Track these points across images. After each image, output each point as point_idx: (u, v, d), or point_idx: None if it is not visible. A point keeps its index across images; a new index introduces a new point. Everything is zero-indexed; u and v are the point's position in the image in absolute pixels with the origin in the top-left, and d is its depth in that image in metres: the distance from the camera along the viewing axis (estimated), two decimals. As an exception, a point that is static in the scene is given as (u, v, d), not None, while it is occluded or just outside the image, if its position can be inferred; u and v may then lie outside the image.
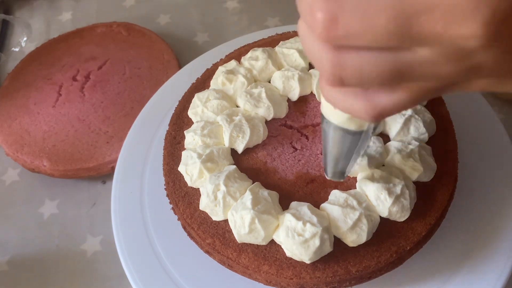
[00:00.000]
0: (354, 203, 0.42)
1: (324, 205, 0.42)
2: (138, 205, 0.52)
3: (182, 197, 0.46)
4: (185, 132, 0.50)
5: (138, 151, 0.56)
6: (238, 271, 0.44)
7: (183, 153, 0.48)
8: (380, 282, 0.44)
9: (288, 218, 0.41)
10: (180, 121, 0.52)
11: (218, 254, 0.44)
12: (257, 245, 0.42)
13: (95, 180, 0.62)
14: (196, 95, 0.52)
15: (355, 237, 0.41)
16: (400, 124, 0.46)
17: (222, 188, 0.43)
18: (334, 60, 0.25)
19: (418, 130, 0.46)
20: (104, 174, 0.61)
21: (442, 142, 0.47)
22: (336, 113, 0.32)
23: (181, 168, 0.47)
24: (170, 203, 0.48)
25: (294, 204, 0.43)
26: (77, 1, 0.85)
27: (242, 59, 0.54)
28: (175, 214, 0.48)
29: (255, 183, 0.44)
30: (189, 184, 0.47)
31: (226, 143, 0.47)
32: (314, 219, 0.40)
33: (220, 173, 0.44)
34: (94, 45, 0.73)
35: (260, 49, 0.53)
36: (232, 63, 0.54)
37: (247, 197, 0.42)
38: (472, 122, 0.53)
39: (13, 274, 0.56)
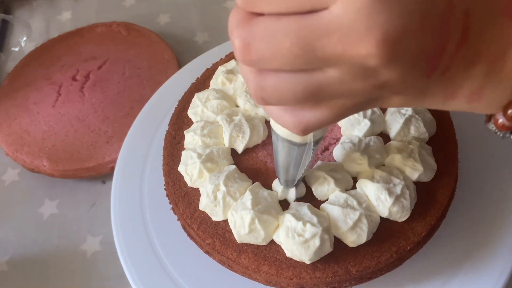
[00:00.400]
0: (354, 203, 0.41)
1: (324, 205, 0.42)
2: (138, 205, 0.52)
3: (182, 197, 0.46)
4: (185, 132, 0.50)
5: (138, 151, 0.56)
6: (238, 271, 0.44)
7: (183, 153, 0.48)
8: (380, 282, 0.44)
9: (288, 218, 0.41)
10: (180, 121, 0.52)
11: (218, 254, 0.44)
12: (257, 245, 0.42)
13: (95, 180, 0.62)
14: (196, 95, 0.52)
15: (355, 237, 0.41)
16: (400, 124, 0.46)
17: (222, 188, 0.43)
18: (255, 82, 0.27)
19: (418, 130, 0.46)
20: (104, 174, 0.61)
21: (442, 142, 0.47)
22: (281, 127, 0.34)
23: (181, 168, 0.47)
24: (170, 203, 0.48)
25: (294, 204, 0.43)
26: (77, 0, 0.85)
27: None
28: (175, 214, 0.48)
29: (255, 183, 0.44)
30: (189, 184, 0.46)
31: (226, 143, 0.47)
32: (314, 219, 0.40)
33: (220, 173, 0.44)
34: (93, 45, 0.73)
35: None
36: (232, 63, 0.54)
37: (247, 197, 0.42)
38: (472, 122, 0.53)
39: (12, 274, 0.56)
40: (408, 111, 0.47)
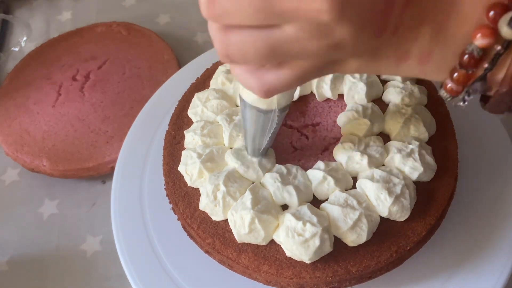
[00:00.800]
0: (354, 203, 0.41)
1: (324, 205, 0.42)
2: (138, 205, 0.52)
3: (182, 197, 0.46)
4: (185, 132, 0.50)
5: (138, 151, 0.56)
6: (238, 271, 0.44)
7: (183, 153, 0.48)
8: (380, 282, 0.44)
9: (288, 218, 0.41)
10: (180, 121, 0.52)
11: (218, 254, 0.44)
12: (257, 245, 0.42)
13: (95, 180, 0.62)
14: (196, 95, 0.52)
15: (355, 237, 0.41)
16: (400, 124, 0.46)
17: (222, 188, 0.43)
18: (221, 39, 0.29)
19: (418, 129, 0.46)
20: (104, 174, 0.61)
21: (442, 142, 0.47)
22: (248, 93, 0.35)
23: (181, 168, 0.47)
24: (170, 203, 0.48)
25: (294, 204, 0.43)
26: (77, 0, 0.85)
27: None
28: (175, 214, 0.48)
29: (255, 183, 0.44)
30: (189, 184, 0.46)
31: (226, 142, 0.47)
32: (314, 219, 0.40)
33: (220, 173, 0.44)
34: (93, 44, 0.73)
35: None
36: None
37: (247, 197, 0.42)
38: (472, 122, 0.53)
39: (12, 274, 0.56)
40: (408, 110, 0.47)
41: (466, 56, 0.28)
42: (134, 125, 0.58)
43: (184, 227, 0.48)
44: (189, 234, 0.47)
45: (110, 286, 0.54)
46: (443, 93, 0.31)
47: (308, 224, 0.40)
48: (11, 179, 0.64)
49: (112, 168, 0.57)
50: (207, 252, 0.46)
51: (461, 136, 0.49)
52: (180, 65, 0.69)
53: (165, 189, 0.49)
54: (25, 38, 0.77)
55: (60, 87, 0.68)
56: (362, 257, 0.41)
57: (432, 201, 0.44)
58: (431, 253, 0.46)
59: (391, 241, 0.42)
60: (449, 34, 0.28)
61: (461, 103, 0.31)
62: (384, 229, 0.42)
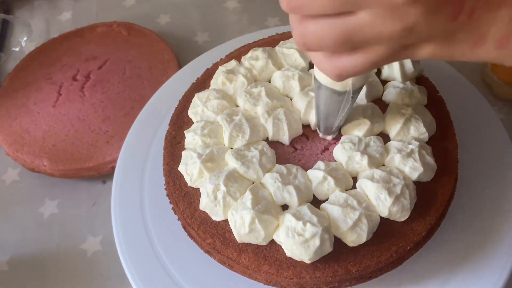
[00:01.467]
0: (354, 203, 0.42)
1: (324, 205, 0.42)
2: (138, 205, 0.52)
3: (182, 197, 0.46)
4: (185, 132, 0.50)
5: (138, 151, 0.56)
6: (238, 271, 0.44)
7: (183, 153, 0.48)
8: (380, 282, 0.44)
9: (288, 218, 0.41)
10: (180, 121, 0.52)
11: (218, 254, 0.44)
12: (257, 245, 0.42)
13: (95, 180, 0.62)
14: (196, 95, 0.52)
15: (355, 237, 0.41)
16: (400, 124, 0.46)
17: (222, 188, 0.43)
18: (299, 29, 0.30)
19: (418, 129, 0.46)
20: (104, 174, 0.61)
21: (442, 142, 0.47)
22: (323, 74, 0.37)
23: (181, 168, 0.47)
24: (170, 203, 0.48)
25: (294, 205, 0.43)
26: (77, 0, 0.85)
27: (242, 59, 0.54)
28: (175, 214, 0.48)
29: (255, 183, 0.44)
30: (189, 184, 0.47)
31: (226, 142, 0.47)
32: (314, 219, 0.40)
33: (220, 173, 0.44)
34: (94, 44, 0.73)
35: (260, 49, 0.53)
36: (232, 63, 0.54)
37: (247, 197, 0.42)
38: (472, 122, 0.53)
39: (13, 274, 0.56)
40: (408, 110, 0.47)
41: None
42: (135, 125, 0.58)
43: (184, 227, 0.48)
44: (189, 234, 0.47)
45: (110, 285, 0.54)
46: None
47: (308, 224, 0.40)
48: (12, 179, 0.64)
49: (113, 168, 0.57)
50: (207, 252, 0.46)
51: (461, 136, 0.49)
52: (180, 65, 0.69)
53: (165, 189, 0.49)
54: (25, 38, 0.77)
55: (60, 87, 0.68)
56: (362, 257, 0.41)
57: (432, 201, 0.44)
58: (431, 253, 0.46)
59: (391, 241, 0.42)
60: None
61: None
62: (384, 229, 0.42)
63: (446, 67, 0.59)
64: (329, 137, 0.47)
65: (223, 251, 0.43)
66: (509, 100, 0.63)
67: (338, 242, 0.41)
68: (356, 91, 0.40)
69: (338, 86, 0.40)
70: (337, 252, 0.41)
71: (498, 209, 0.48)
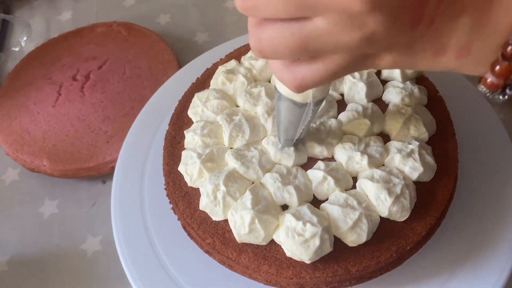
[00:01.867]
0: (354, 203, 0.41)
1: (324, 205, 0.42)
2: (138, 205, 0.52)
3: (182, 197, 0.46)
4: (185, 132, 0.50)
5: (138, 151, 0.56)
6: (238, 271, 0.44)
7: (183, 153, 0.48)
8: (380, 282, 0.44)
9: (288, 218, 0.41)
10: (180, 121, 0.52)
11: (218, 254, 0.44)
12: (257, 245, 0.42)
13: (95, 180, 0.62)
14: (196, 95, 0.52)
15: (355, 237, 0.41)
16: (400, 123, 0.46)
17: (222, 188, 0.43)
18: (254, 34, 0.29)
19: (418, 130, 0.46)
20: (104, 174, 0.61)
21: (442, 142, 0.47)
22: (283, 85, 0.35)
23: (181, 168, 0.47)
24: (170, 203, 0.48)
25: (295, 204, 0.43)
26: (77, 0, 0.85)
27: (242, 59, 0.54)
28: (175, 214, 0.48)
29: (255, 183, 0.44)
30: (189, 184, 0.47)
31: (226, 142, 0.47)
32: (314, 219, 0.40)
33: (220, 173, 0.44)
34: (94, 44, 0.73)
35: None
36: (232, 63, 0.54)
37: (247, 197, 0.42)
38: (472, 122, 0.53)
39: (13, 274, 0.56)
40: (408, 111, 0.47)
41: (510, 48, 0.27)
42: (134, 125, 0.58)
43: (184, 227, 0.48)
44: (189, 234, 0.47)
45: (110, 286, 0.54)
46: (482, 89, 0.30)
47: (308, 224, 0.40)
48: (11, 179, 0.64)
49: (112, 168, 0.57)
50: (207, 252, 0.46)
51: (461, 136, 0.49)
52: (180, 65, 0.69)
53: (165, 189, 0.49)
54: (25, 38, 0.77)
55: (60, 87, 0.68)
56: (362, 257, 0.41)
57: (432, 201, 0.44)
58: (431, 253, 0.46)
59: (391, 241, 0.42)
60: (491, 24, 0.27)
61: (501, 97, 0.30)
62: (384, 229, 0.42)
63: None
64: (290, 159, 0.45)
65: (223, 251, 0.43)
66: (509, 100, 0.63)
67: (338, 242, 0.41)
68: (318, 103, 0.39)
69: (298, 97, 0.38)
70: (337, 252, 0.41)
71: (498, 209, 0.48)
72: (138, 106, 0.62)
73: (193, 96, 0.52)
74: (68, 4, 0.85)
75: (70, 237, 0.58)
